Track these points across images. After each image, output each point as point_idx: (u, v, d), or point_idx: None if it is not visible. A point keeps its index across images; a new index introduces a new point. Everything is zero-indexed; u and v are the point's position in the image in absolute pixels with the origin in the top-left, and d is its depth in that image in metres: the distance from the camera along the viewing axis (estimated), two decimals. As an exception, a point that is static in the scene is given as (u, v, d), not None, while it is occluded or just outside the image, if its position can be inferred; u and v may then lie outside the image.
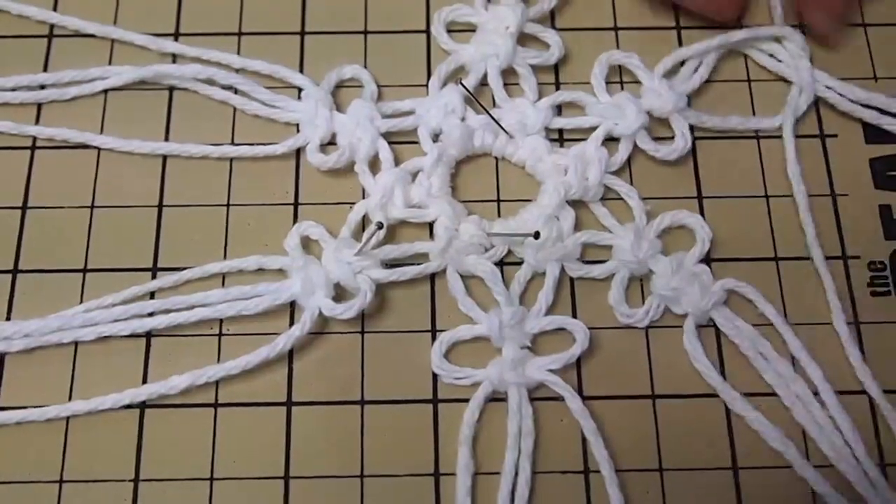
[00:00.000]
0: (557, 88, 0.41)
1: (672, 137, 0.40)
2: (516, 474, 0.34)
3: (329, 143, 0.40)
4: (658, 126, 0.40)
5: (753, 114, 0.41)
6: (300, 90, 0.41)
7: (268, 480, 0.35)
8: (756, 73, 0.42)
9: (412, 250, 0.38)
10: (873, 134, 0.40)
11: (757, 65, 0.42)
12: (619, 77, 0.42)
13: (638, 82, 0.41)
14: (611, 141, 0.40)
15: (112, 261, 0.38)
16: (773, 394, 0.36)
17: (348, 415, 0.36)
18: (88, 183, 0.39)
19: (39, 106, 0.41)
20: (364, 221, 0.39)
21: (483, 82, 0.41)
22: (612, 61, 0.41)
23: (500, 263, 0.38)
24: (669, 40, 0.42)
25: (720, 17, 0.42)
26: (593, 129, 0.40)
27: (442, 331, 0.36)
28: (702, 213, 0.39)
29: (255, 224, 0.39)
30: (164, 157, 0.40)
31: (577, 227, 0.38)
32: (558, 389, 0.35)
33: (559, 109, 0.41)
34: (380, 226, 0.37)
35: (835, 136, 0.41)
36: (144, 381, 0.36)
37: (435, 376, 0.36)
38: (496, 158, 0.40)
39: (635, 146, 0.40)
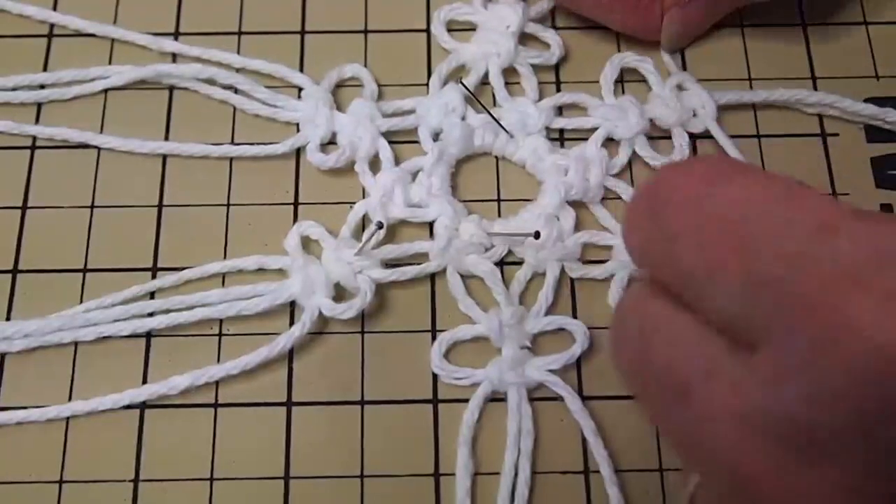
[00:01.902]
0: (558, 88, 0.41)
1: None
2: (516, 474, 0.34)
3: (329, 143, 0.40)
4: (659, 131, 0.40)
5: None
6: (300, 89, 0.41)
7: (268, 480, 0.35)
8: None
9: (412, 250, 0.38)
10: (874, 133, 0.40)
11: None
12: (620, 77, 0.42)
13: (641, 81, 0.41)
14: (612, 142, 0.40)
15: (112, 261, 0.38)
16: (774, 394, 0.36)
17: (348, 415, 0.36)
18: (88, 183, 0.39)
19: (39, 106, 0.41)
20: (364, 221, 0.38)
21: (483, 81, 0.41)
22: (625, 64, 0.41)
23: (501, 263, 0.38)
24: (670, 39, 0.42)
25: (645, 36, 0.41)
26: (594, 129, 0.40)
27: (442, 331, 0.36)
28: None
29: (255, 224, 0.39)
30: (165, 157, 0.40)
31: (578, 227, 0.38)
32: (558, 390, 0.35)
33: (560, 110, 0.41)
34: (380, 225, 0.37)
35: (836, 135, 0.40)
36: (144, 382, 0.36)
37: (435, 376, 0.36)
38: (496, 158, 0.40)
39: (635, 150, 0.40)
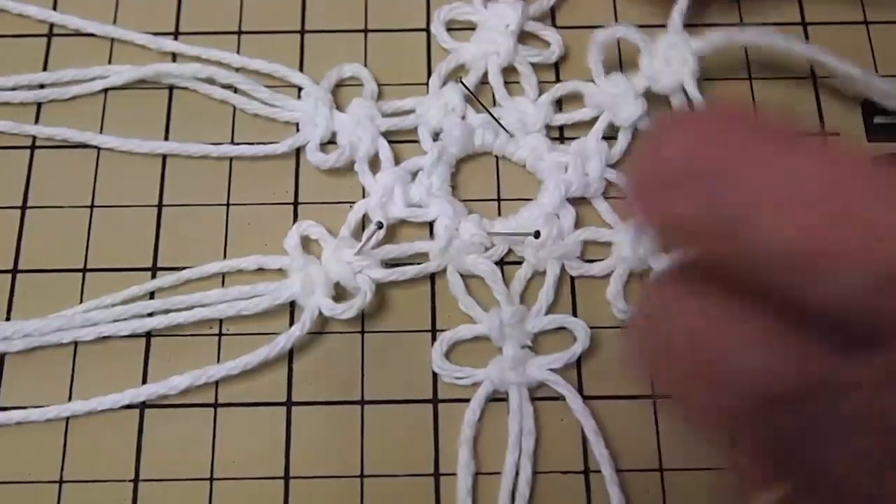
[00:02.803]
0: (558, 87, 0.41)
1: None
2: (517, 474, 0.34)
3: (329, 143, 0.40)
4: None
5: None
6: (300, 89, 0.41)
7: (268, 480, 0.35)
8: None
9: (412, 250, 0.37)
10: (875, 132, 0.40)
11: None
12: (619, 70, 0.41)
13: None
14: (609, 128, 0.40)
15: (112, 261, 0.38)
16: (775, 393, 0.36)
17: (348, 415, 0.36)
18: (88, 182, 0.39)
19: (39, 105, 0.41)
20: (364, 221, 0.38)
21: (483, 81, 0.41)
22: (611, 37, 0.40)
23: (501, 262, 0.38)
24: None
25: None
26: (594, 119, 0.40)
27: (442, 330, 0.36)
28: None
29: (255, 224, 0.39)
30: (164, 157, 0.40)
31: (579, 224, 0.38)
32: (559, 389, 0.35)
33: (559, 106, 0.41)
34: (380, 225, 0.37)
35: (836, 134, 0.40)
36: (144, 382, 0.36)
37: (435, 376, 0.36)
38: (496, 157, 0.40)
39: (635, 134, 0.40)
